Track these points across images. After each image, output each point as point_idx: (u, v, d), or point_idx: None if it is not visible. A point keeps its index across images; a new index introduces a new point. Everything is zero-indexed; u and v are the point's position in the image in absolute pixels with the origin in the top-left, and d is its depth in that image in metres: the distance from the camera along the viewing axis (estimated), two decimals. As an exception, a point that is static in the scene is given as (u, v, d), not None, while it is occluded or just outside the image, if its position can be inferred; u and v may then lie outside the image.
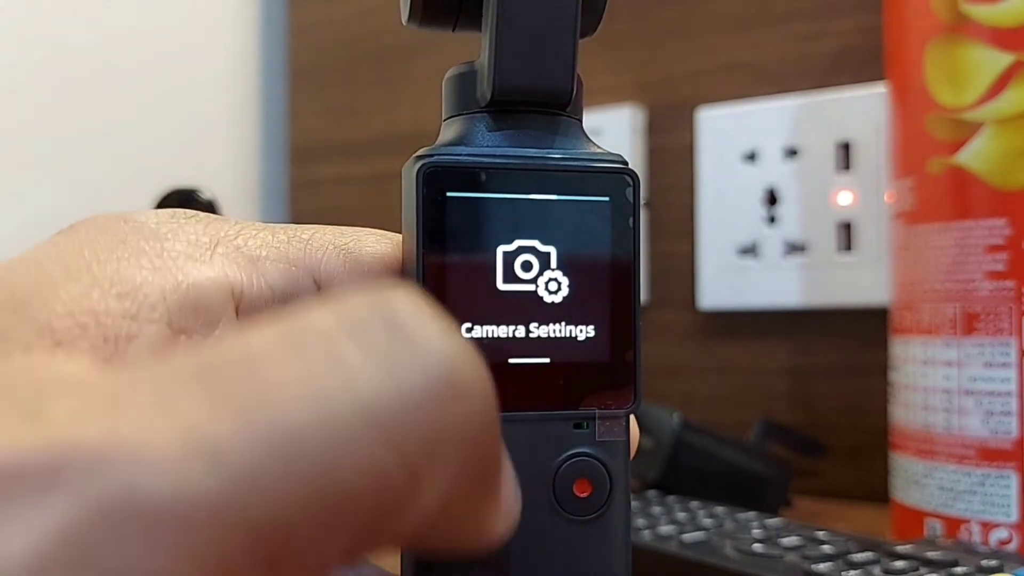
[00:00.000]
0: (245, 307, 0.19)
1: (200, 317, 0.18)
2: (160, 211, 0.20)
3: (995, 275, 0.39)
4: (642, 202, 0.58)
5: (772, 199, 0.62)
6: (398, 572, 0.20)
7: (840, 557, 0.33)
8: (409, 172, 0.20)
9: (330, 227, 0.21)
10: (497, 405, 0.15)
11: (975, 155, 0.40)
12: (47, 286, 0.16)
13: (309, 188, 0.85)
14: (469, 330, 0.19)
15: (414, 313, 0.14)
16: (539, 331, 0.20)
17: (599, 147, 0.21)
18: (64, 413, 0.12)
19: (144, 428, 0.12)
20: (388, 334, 0.14)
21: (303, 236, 0.21)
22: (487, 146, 0.20)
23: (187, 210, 0.20)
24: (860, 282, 0.58)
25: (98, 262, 0.17)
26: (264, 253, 0.20)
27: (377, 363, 0.13)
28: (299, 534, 0.13)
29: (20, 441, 0.12)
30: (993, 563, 0.32)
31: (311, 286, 0.20)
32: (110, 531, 0.11)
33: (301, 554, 0.13)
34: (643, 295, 0.65)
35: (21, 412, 0.12)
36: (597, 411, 0.20)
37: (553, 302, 0.20)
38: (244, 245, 0.19)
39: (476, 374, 0.14)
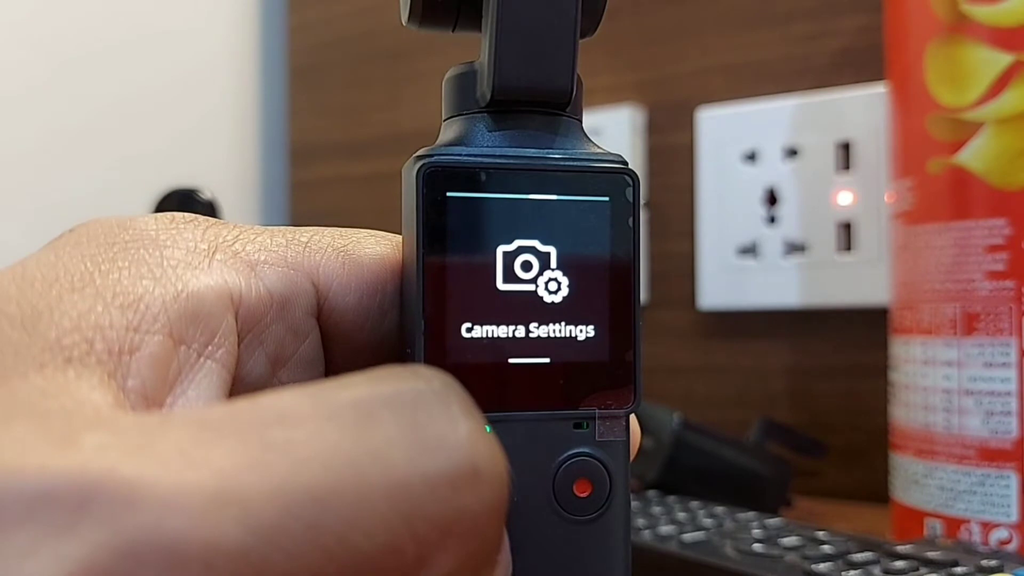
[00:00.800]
0: (244, 312, 0.19)
1: (200, 325, 0.18)
2: (159, 216, 0.20)
3: (995, 275, 0.39)
4: (642, 202, 0.58)
5: (772, 199, 0.62)
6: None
7: (840, 557, 0.33)
8: (409, 172, 0.20)
9: (329, 229, 0.21)
10: (508, 490, 0.16)
11: (975, 155, 0.40)
12: (53, 299, 0.16)
13: (309, 188, 0.85)
14: (469, 330, 0.19)
15: (445, 397, 0.15)
16: (539, 331, 0.20)
17: (599, 147, 0.21)
18: (96, 444, 0.12)
19: (176, 471, 0.12)
20: (420, 414, 0.15)
21: (301, 239, 0.21)
22: (487, 146, 0.20)
23: (185, 214, 0.20)
24: (860, 282, 0.58)
25: (100, 272, 0.17)
26: (262, 257, 0.20)
27: (407, 442, 0.14)
28: None
29: (52, 465, 0.12)
30: (993, 563, 0.32)
31: (310, 289, 0.20)
32: (135, 568, 0.12)
33: None
34: (643, 295, 0.65)
35: (53, 437, 0.13)
36: (597, 411, 0.20)
37: (553, 302, 0.20)
38: (242, 250, 0.19)
39: (494, 466, 0.15)
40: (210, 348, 0.18)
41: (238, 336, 0.19)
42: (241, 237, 0.20)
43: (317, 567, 0.13)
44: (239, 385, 0.19)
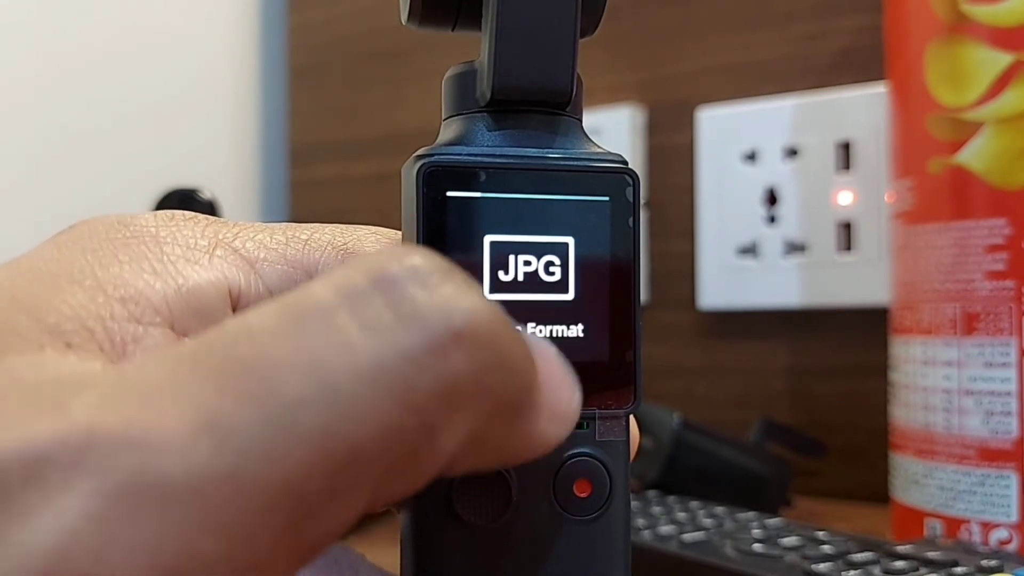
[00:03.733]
0: (242, 306, 0.19)
1: (201, 319, 0.18)
2: (159, 213, 0.20)
3: (995, 275, 0.39)
4: (642, 202, 0.58)
5: (772, 199, 0.62)
6: (398, 572, 0.20)
7: (840, 557, 0.33)
8: (409, 172, 0.20)
9: (329, 226, 0.21)
10: (514, 336, 0.15)
11: (975, 155, 0.40)
12: (52, 289, 0.17)
13: (309, 188, 0.85)
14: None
15: (410, 273, 0.15)
16: (539, 331, 0.20)
17: (599, 147, 0.21)
18: (83, 405, 0.13)
19: (156, 412, 0.13)
20: (383, 299, 0.14)
21: (301, 236, 0.21)
22: (487, 146, 0.20)
23: (185, 212, 0.20)
24: (860, 282, 0.58)
25: (100, 266, 0.17)
26: (262, 255, 0.20)
27: (373, 329, 0.14)
28: (313, 496, 0.13)
29: (44, 431, 0.13)
30: (993, 563, 0.32)
31: None
32: (131, 508, 0.12)
33: (319, 512, 0.14)
34: (643, 295, 0.65)
35: (44, 405, 0.13)
36: (597, 411, 0.20)
37: (553, 302, 0.20)
38: (242, 247, 0.20)
39: (479, 319, 0.15)
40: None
41: None
42: (241, 234, 0.20)
43: (309, 471, 0.13)
44: None
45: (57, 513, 0.12)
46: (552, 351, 0.17)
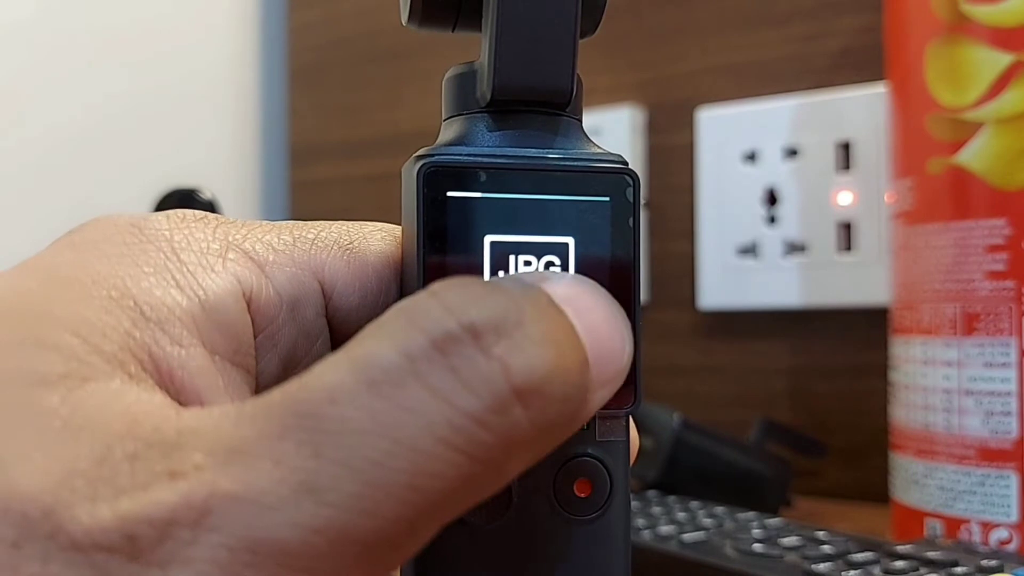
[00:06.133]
0: (255, 313, 0.19)
1: (225, 333, 0.19)
2: (169, 214, 0.20)
3: (995, 275, 0.39)
4: (642, 202, 0.58)
5: (772, 199, 0.62)
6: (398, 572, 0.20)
7: (840, 557, 0.33)
8: (409, 172, 0.20)
9: (336, 223, 0.21)
10: (577, 385, 0.17)
11: (975, 155, 0.40)
12: (90, 307, 0.17)
13: (309, 188, 0.85)
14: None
15: (466, 333, 0.16)
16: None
17: (599, 147, 0.21)
18: (195, 466, 0.15)
19: (261, 476, 0.15)
20: (446, 362, 0.16)
21: (308, 236, 0.21)
22: (487, 146, 0.20)
23: (195, 211, 0.20)
24: (860, 282, 0.58)
25: (131, 278, 0.18)
26: (271, 258, 0.20)
27: (439, 393, 0.15)
28: (398, 540, 0.15)
29: (171, 496, 0.14)
30: (993, 563, 0.32)
31: (316, 288, 0.20)
32: (251, 559, 0.14)
33: (401, 551, 0.16)
34: (643, 295, 0.65)
35: (160, 467, 0.15)
36: (597, 411, 0.20)
37: (553, 302, 0.20)
38: (252, 249, 0.20)
39: (535, 374, 0.16)
40: (237, 355, 0.19)
41: (253, 337, 0.19)
42: (250, 236, 0.20)
43: (400, 516, 0.15)
44: (255, 387, 0.19)
45: (190, 563, 0.14)
46: (601, 310, 0.18)
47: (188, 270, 0.18)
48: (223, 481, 0.15)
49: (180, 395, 0.17)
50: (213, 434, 0.15)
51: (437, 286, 0.17)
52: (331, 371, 0.16)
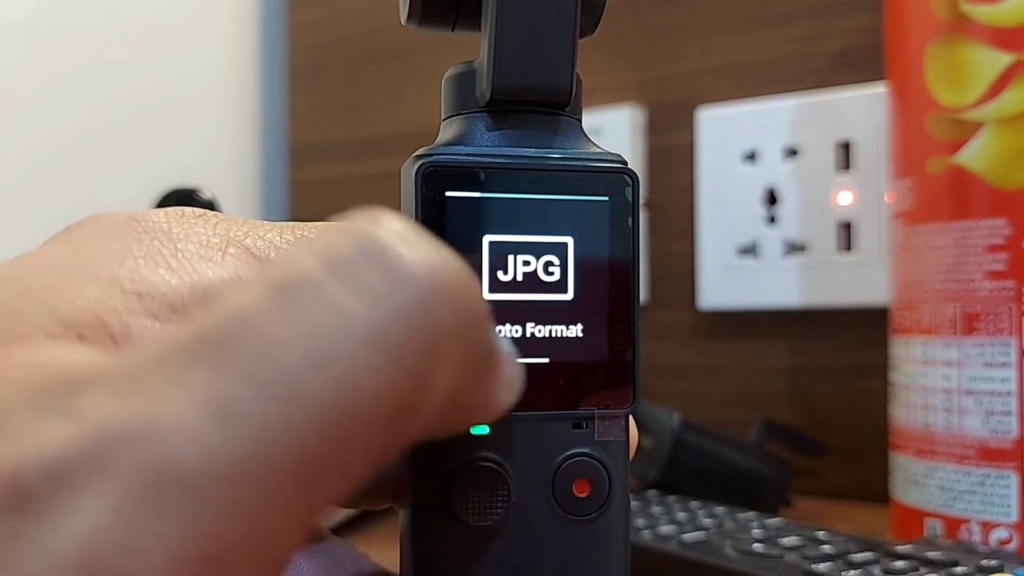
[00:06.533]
0: None
1: None
2: (168, 210, 0.20)
3: (995, 275, 0.39)
4: (642, 202, 0.58)
5: (772, 199, 0.62)
6: (397, 570, 0.20)
7: (840, 557, 0.33)
8: (408, 172, 0.20)
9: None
10: (482, 295, 0.16)
11: (975, 155, 0.40)
12: (66, 281, 0.17)
13: (309, 188, 0.85)
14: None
15: (391, 237, 0.15)
16: (538, 331, 0.20)
17: (598, 147, 0.21)
18: (92, 404, 0.13)
19: (166, 404, 0.13)
20: (369, 264, 0.15)
21: (309, 236, 0.21)
22: (486, 146, 0.20)
23: (195, 208, 0.20)
24: (860, 282, 0.58)
25: (116, 261, 0.17)
26: (272, 254, 0.20)
27: (362, 294, 0.15)
28: (324, 462, 0.14)
29: (59, 438, 0.13)
30: (993, 563, 0.32)
31: None
32: (156, 501, 0.13)
33: (330, 477, 0.14)
34: (643, 295, 0.65)
35: (55, 408, 0.13)
36: (596, 411, 0.20)
37: (553, 302, 0.20)
38: (253, 246, 0.20)
39: (456, 276, 0.15)
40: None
41: None
42: (251, 233, 0.20)
43: (319, 440, 0.14)
44: None
45: (85, 513, 0.13)
46: (504, 339, 0.18)
47: (184, 256, 0.18)
48: (121, 416, 0.13)
49: None
50: (120, 370, 0.14)
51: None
52: (242, 292, 0.15)
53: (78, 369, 0.14)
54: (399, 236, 0.15)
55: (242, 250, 0.19)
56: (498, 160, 0.20)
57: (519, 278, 0.20)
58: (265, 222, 0.21)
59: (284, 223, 0.21)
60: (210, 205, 0.57)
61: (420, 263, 0.15)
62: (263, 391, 0.14)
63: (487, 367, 0.17)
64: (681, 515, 0.41)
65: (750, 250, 0.63)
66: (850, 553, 0.34)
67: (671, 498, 0.45)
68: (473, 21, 0.21)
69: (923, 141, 0.42)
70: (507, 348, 0.18)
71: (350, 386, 0.14)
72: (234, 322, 0.14)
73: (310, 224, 0.21)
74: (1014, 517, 0.39)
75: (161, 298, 0.17)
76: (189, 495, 0.13)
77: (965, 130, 0.40)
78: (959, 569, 0.32)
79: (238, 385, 0.14)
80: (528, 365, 0.20)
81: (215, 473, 0.13)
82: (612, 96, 0.68)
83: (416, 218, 0.19)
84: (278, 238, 0.20)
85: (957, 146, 0.40)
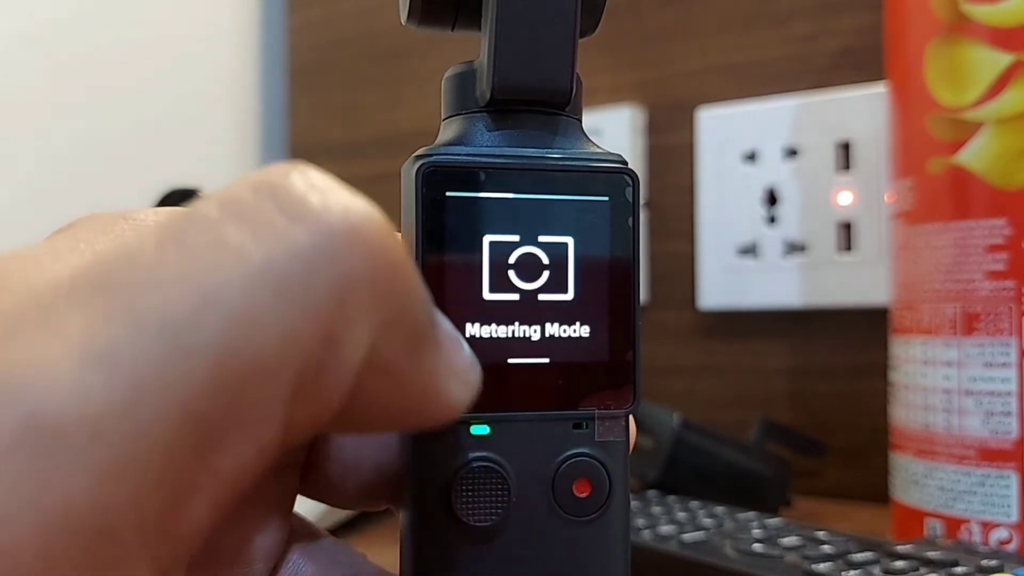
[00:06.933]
0: None
1: None
2: (158, 209, 0.20)
3: (995, 275, 0.39)
4: (642, 202, 0.58)
5: (772, 199, 0.62)
6: (396, 571, 0.20)
7: (840, 557, 0.33)
8: (408, 172, 0.20)
9: None
10: (404, 250, 0.15)
11: (975, 155, 0.40)
12: (44, 267, 0.16)
13: (309, 188, 0.85)
14: (468, 330, 0.19)
15: (296, 181, 0.14)
16: (538, 331, 0.20)
17: (599, 147, 0.21)
18: None
19: (40, 350, 0.12)
20: (270, 205, 0.14)
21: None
22: (486, 146, 0.20)
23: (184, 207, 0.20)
24: (860, 282, 0.58)
25: (77, 252, 0.17)
26: None
27: (263, 234, 0.13)
28: (217, 421, 0.12)
29: None
30: (993, 563, 0.32)
31: None
32: (23, 458, 0.11)
33: (226, 440, 0.13)
34: (643, 295, 0.65)
35: None
36: (596, 411, 0.20)
37: (552, 302, 0.20)
38: None
39: (368, 221, 0.14)
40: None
41: None
42: None
43: (212, 393, 0.12)
44: None
45: None
46: (443, 319, 0.17)
47: None
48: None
49: None
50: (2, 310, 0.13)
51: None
52: (132, 233, 0.14)
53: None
54: (307, 181, 0.14)
55: None
56: (498, 160, 0.20)
57: (519, 278, 0.20)
58: None
59: None
60: (210, 205, 0.57)
61: (329, 206, 0.14)
62: (142, 332, 0.12)
63: (420, 338, 0.15)
64: (681, 515, 0.41)
65: (750, 250, 0.63)
66: (850, 553, 0.34)
67: (671, 498, 0.45)
68: (473, 21, 0.21)
69: (923, 141, 0.42)
70: (451, 332, 0.17)
71: (245, 330, 0.13)
72: (115, 261, 0.13)
73: None
74: (1014, 517, 0.39)
75: None
76: (63, 450, 0.11)
77: (965, 130, 0.40)
78: (959, 569, 0.32)
79: (114, 325, 0.12)
80: (528, 365, 0.20)
81: (90, 424, 0.12)
82: (612, 96, 0.68)
83: (416, 218, 0.19)
84: None
85: (957, 146, 0.40)
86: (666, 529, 0.38)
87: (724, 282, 0.64)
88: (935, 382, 0.41)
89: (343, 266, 0.14)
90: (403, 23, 0.22)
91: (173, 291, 0.12)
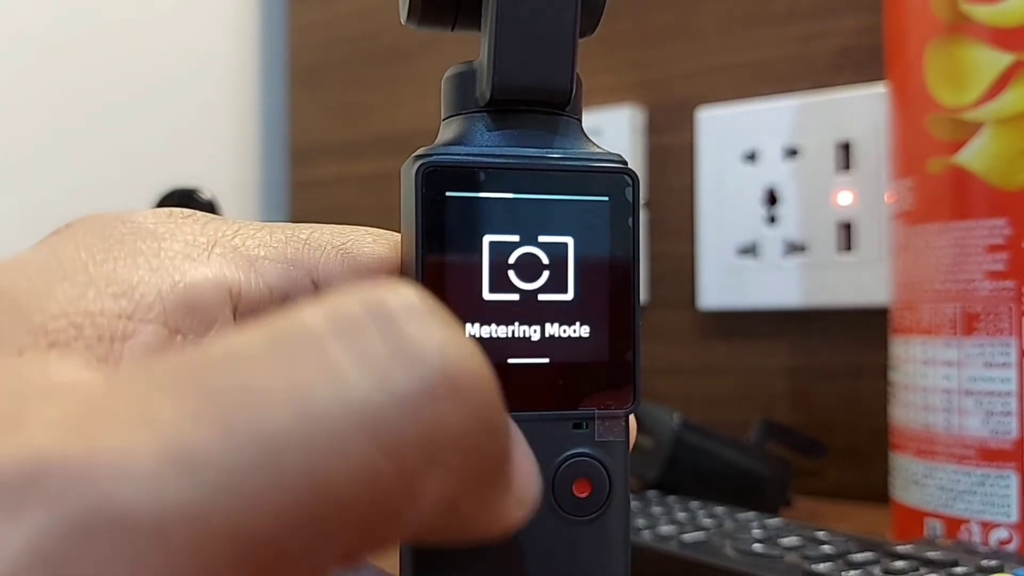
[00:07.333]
0: (243, 308, 0.19)
1: (196, 317, 0.17)
2: (157, 210, 0.19)
3: (995, 275, 0.39)
4: (642, 202, 0.58)
5: (772, 199, 0.62)
6: (398, 572, 0.20)
7: (840, 557, 0.33)
8: (408, 172, 0.20)
9: (328, 226, 0.21)
10: (501, 399, 0.15)
11: (975, 155, 0.40)
12: (42, 287, 0.16)
13: (309, 188, 0.85)
14: (468, 330, 0.19)
15: (408, 310, 0.14)
16: (538, 331, 0.20)
17: (599, 147, 0.21)
18: (43, 422, 0.12)
19: (123, 439, 0.12)
20: (380, 333, 0.13)
21: (301, 236, 0.20)
22: (486, 146, 0.20)
23: (184, 209, 0.20)
24: (860, 282, 0.58)
25: (94, 263, 0.17)
26: (262, 253, 0.20)
27: (367, 365, 0.13)
28: (288, 544, 0.12)
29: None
30: (993, 563, 0.32)
31: (309, 286, 0.20)
32: (85, 546, 0.11)
33: (292, 563, 0.13)
34: (643, 295, 0.65)
35: (4, 422, 0.12)
36: (596, 411, 0.20)
37: (552, 302, 0.20)
38: (242, 245, 0.19)
39: (474, 372, 0.14)
40: (206, 340, 0.18)
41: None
42: (240, 232, 0.20)
43: (288, 516, 0.12)
44: None
45: (3, 539, 0.11)
46: (520, 434, 0.17)
47: (166, 256, 0.18)
48: (72, 441, 0.12)
49: (117, 365, 0.16)
50: (84, 390, 0.13)
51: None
52: (241, 333, 0.13)
53: (39, 383, 0.14)
54: (412, 310, 0.14)
55: (230, 250, 0.19)
56: (498, 160, 0.20)
57: (519, 278, 0.20)
58: (256, 222, 0.21)
59: (274, 224, 0.21)
60: (210, 205, 0.57)
61: (432, 345, 0.14)
62: (237, 444, 0.12)
63: (495, 481, 0.15)
64: (681, 515, 0.41)
65: (750, 250, 0.63)
66: (850, 553, 0.34)
67: (671, 498, 0.45)
68: (473, 20, 0.21)
69: (923, 141, 0.42)
70: (524, 456, 0.16)
71: (331, 460, 0.12)
72: (220, 362, 0.13)
73: (302, 225, 0.21)
74: (1014, 517, 0.39)
75: (138, 297, 0.17)
76: (124, 544, 0.11)
77: (965, 130, 0.40)
78: (959, 569, 0.32)
79: (211, 431, 0.12)
80: (528, 365, 0.20)
81: (161, 525, 0.11)
82: (612, 96, 0.68)
83: (416, 218, 0.19)
84: (268, 237, 0.20)
85: (957, 146, 0.40)
86: (666, 529, 0.38)
87: (724, 282, 0.64)
88: (935, 382, 0.41)
89: (436, 420, 0.13)
90: (403, 23, 0.22)
91: (270, 405, 0.12)
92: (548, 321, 0.20)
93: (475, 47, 0.20)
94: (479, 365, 0.14)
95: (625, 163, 0.21)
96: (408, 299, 0.14)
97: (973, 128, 0.40)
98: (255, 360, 0.13)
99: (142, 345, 0.16)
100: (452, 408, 0.13)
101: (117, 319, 0.16)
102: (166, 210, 0.19)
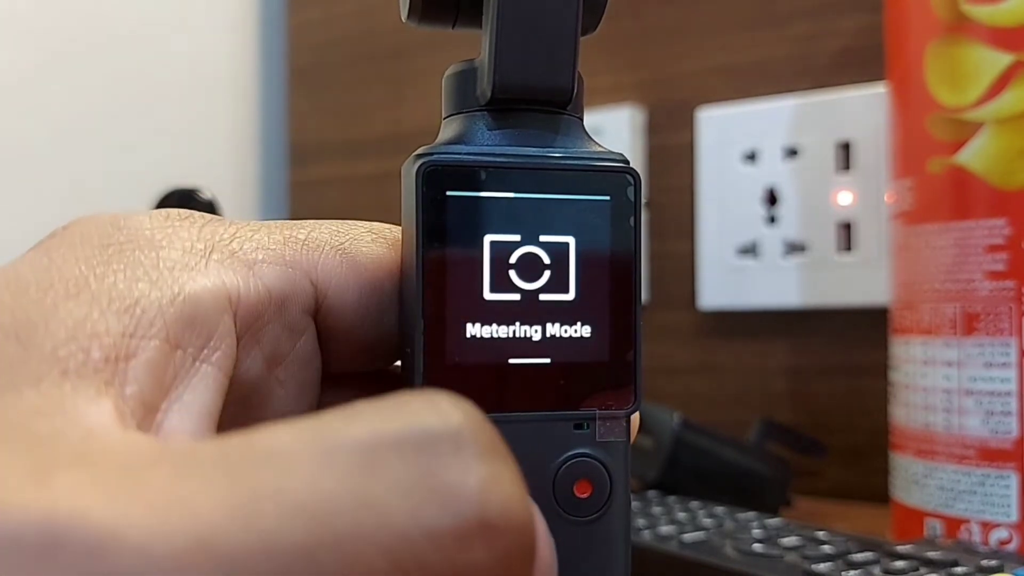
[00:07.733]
0: (243, 312, 0.19)
1: (196, 329, 0.17)
2: (153, 214, 0.19)
3: (995, 275, 0.39)
4: (643, 201, 0.58)
5: (772, 199, 0.62)
6: None
7: (840, 557, 0.33)
8: (409, 171, 0.20)
9: (327, 223, 0.21)
10: (535, 544, 0.15)
11: (975, 155, 0.40)
12: (48, 307, 0.16)
13: (309, 188, 0.85)
14: (469, 330, 0.19)
15: (452, 440, 0.14)
16: (539, 331, 0.20)
17: (600, 146, 0.21)
18: (71, 483, 0.12)
19: (153, 517, 0.12)
20: (429, 459, 0.13)
21: (299, 236, 0.20)
22: (487, 144, 0.20)
23: (181, 210, 0.20)
24: (860, 282, 0.58)
25: (95, 276, 0.17)
26: (260, 256, 0.19)
27: (411, 491, 0.13)
28: None
29: (22, 507, 0.11)
30: (993, 563, 0.32)
31: (308, 288, 0.20)
32: None
33: None
34: (643, 295, 0.65)
35: (29, 470, 0.12)
36: (597, 412, 0.20)
37: (553, 302, 0.20)
38: (239, 249, 0.19)
39: (511, 517, 0.14)
40: (206, 352, 0.18)
41: (236, 337, 0.18)
42: (238, 235, 0.20)
43: None
44: (236, 385, 0.19)
45: None
46: (547, 536, 0.16)
47: (165, 266, 0.18)
48: (99, 510, 0.12)
49: (125, 386, 0.16)
50: (120, 452, 0.13)
51: (435, 390, 0.15)
52: (285, 429, 0.14)
53: (70, 432, 0.13)
54: (456, 440, 0.14)
55: (227, 255, 0.19)
56: (499, 159, 0.20)
57: (520, 278, 0.20)
58: (254, 222, 0.20)
59: (271, 222, 0.21)
60: (210, 205, 0.57)
61: (471, 484, 0.14)
62: (267, 549, 0.12)
63: None
64: (681, 515, 0.41)
65: (750, 250, 0.63)
66: (850, 553, 0.34)
67: (671, 498, 0.45)
68: (474, 19, 0.20)
69: (923, 141, 0.42)
70: (550, 565, 0.16)
71: None
72: (261, 460, 0.13)
73: (300, 223, 0.21)
74: (1014, 517, 0.39)
75: (140, 313, 0.17)
76: None
77: (965, 130, 0.40)
78: (959, 569, 0.32)
79: (243, 530, 0.12)
80: (529, 365, 0.20)
81: None
82: (612, 96, 0.68)
83: (417, 217, 0.19)
84: (266, 238, 0.20)
85: (957, 146, 0.40)
86: (666, 529, 0.38)
87: (724, 282, 0.64)
88: (935, 382, 0.41)
89: (468, 557, 0.13)
90: (403, 20, 0.22)
91: (306, 519, 0.12)
92: (549, 321, 0.20)
93: (476, 45, 0.20)
94: (518, 510, 0.14)
95: (627, 162, 0.21)
96: (453, 426, 0.14)
97: (973, 128, 0.40)
98: (298, 463, 0.13)
99: (145, 363, 0.16)
100: (483, 551, 0.13)
101: (121, 338, 0.16)
102: (163, 212, 0.19)
